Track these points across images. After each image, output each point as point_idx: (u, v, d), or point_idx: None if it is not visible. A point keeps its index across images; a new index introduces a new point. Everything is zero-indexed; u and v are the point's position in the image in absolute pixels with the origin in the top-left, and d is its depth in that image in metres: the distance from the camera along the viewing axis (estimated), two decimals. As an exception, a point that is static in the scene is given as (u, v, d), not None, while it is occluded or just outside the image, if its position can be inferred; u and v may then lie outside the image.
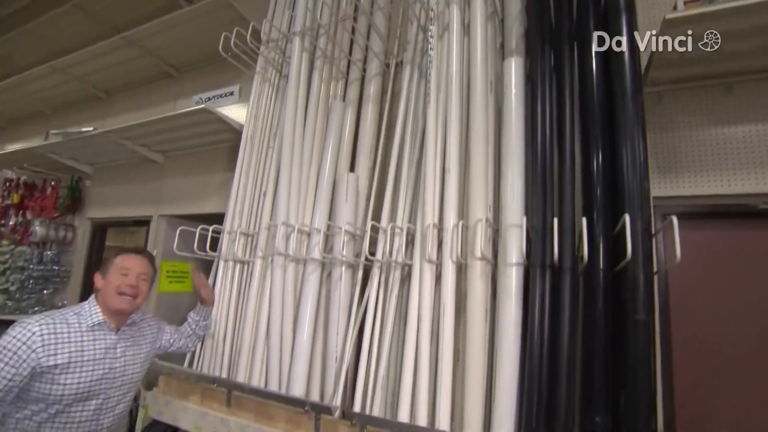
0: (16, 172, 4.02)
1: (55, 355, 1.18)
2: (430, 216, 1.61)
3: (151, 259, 1.45)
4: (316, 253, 1.81)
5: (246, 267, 2.08)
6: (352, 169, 2.05)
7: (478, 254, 1.49)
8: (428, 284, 1.57)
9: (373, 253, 1.72)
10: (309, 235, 1.91)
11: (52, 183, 3.83)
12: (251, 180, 2.19)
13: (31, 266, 3.48)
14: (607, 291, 1.40)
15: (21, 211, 3.94)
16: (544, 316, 1.43)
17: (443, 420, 1.43)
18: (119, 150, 3.03)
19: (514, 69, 1.68)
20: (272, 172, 2.09)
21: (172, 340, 1.72)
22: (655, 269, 1.38)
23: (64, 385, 1.19)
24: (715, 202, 1.64)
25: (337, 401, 1.56)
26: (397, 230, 1.67)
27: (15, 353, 1.12)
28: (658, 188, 1.68)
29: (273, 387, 1.77)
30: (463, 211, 1.63)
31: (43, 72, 3.57)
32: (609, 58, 1.54)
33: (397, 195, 1.79)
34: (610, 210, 1.46)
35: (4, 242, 3.90)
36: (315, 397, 1.73)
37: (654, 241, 1.43)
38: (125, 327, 1.40)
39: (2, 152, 3.70)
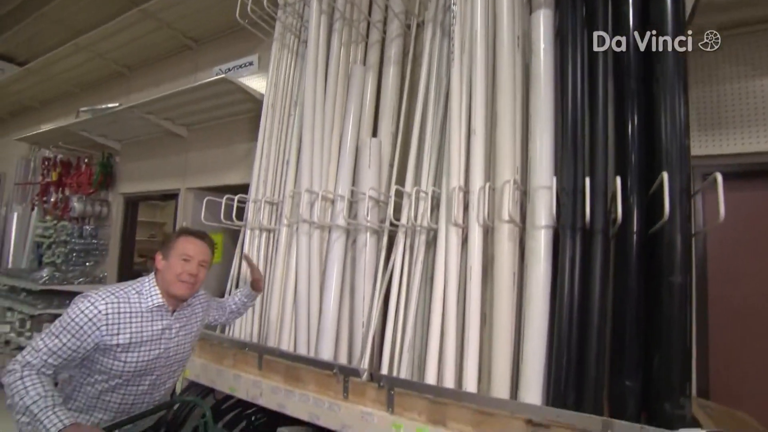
0: (53, 150, 4.18)
1: (117, 335, 1.23)
2: (456, 179, 1.58)
3: (211, 243, 1.44)
4: (341, 219, 1.81)
5: (272, 235, 2.11)
6: (374, 134, 2.02)
7: (506, 217, 1.46)
8: (454, 248, 1.55)
9: (398, 219, 1.71)
10: (333, 202, 1.91)
11: (86, 160, 3.97)
12: (274, 149, 2.19)
13: (73, 240, 3.65)
14: (640, 253, 1.35)
15: (60, 188, 4.12)
16: (574, 280, 1.40)
17: (470, 382, 1.44)
18: (144, 125, 3.08)
19: (543, 23, 1.58)
20: (294, 140, 2.08)
21: (217, 316, 1.75)
22: (693, 230, 1.32)
23: (124, 362, 1.26)
24: (761, 160, 1.54)
25: (365, 364, 1.59)
26: (422, 194, 1.65)
27: (81, 327, 1.18)
28: (698, 147, 1.59)
29: (302, 351, 1.83)
30: (489, 173, 1.59)
31: (68, 51, 3.63)
32: (647, 5, 1.43)
33: (421, 159, 1.76)
34: (645, 169, 1.39)
35: (48, 218, 4.11)
36: (343, 360, 1.77)
37: (692, 201, 1.36)
38: (180, 309, 1.42)
39: (38, 131, 3.83)
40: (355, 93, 2.04)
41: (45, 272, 3.65)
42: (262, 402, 1.78)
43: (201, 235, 1.42)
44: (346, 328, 1.80)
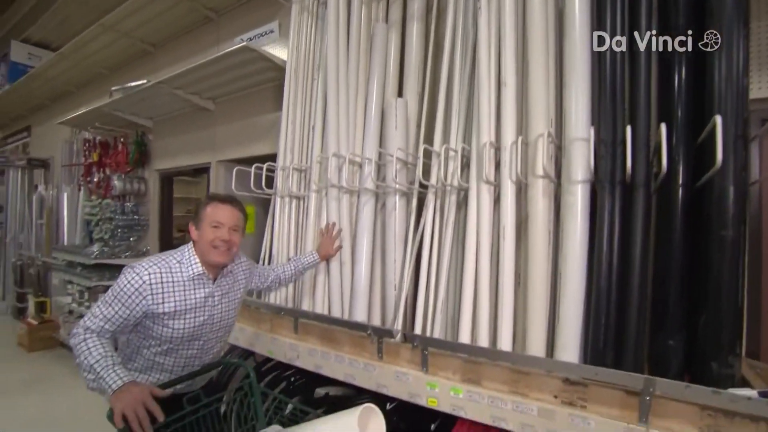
0: (91, 132, 4.34)
1: (163, 303, 1.29)
2: (486, 134, 1.51)
3: (240, 207, 1.44)
4: (369, 182, 1.80)
5: (302, 202, 2.13)
6: (400, 94, 1.96)
7: (540, 172, 1.40)
8: (486, 207, 1.51)
9: (426, 180, 1.67)
10: (360, 166, 1.90)
11: (121, 140, 4.10)
12: (299, 115, 2.17)
13: (117, 217, 3.84)
14: (686, 206, 1.27)
15: (101, 168, 4.31)
16: (613, 236, 1.34)
17: (505, 342, 1.43)
18: (172, 101, 3.13)
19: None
20: (319, 105, 2.05)
21: (258, 283, 1.80)
22: (748, 180, 1.22)
23: (172, 329, 1.33)
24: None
25: (398, 325, 1.61)
26: (451, 153, 1.59)
27: (129, 297, 1.25)
28: (757, 89, 1.45)
29: (336, 314, 1.87)
30: (522, 127, 1.52)
31: (95, 32, 3.68)
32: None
33: (449, 116, 1.69)
34: (694, 116, 1.28)
35: (93, 197, 4.32)
36: (376, 322, 1.80)
37: (749, 148, 1.25)
38: (221, 277, 1.45)
39: (75, 114, 3.97)
40: (378, 52, 1.97)
41: (95, 248, 3.89)
42: (300, 364, 1.85)
43: (229, 199, 1.42)
44: (378, 291, 1.82)
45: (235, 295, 1.52)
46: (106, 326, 1.24)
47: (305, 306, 1.96)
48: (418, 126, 1.90)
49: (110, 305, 1.25)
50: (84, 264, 3.88)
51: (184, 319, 1.33)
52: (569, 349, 1.33)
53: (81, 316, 3.93)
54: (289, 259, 2.01)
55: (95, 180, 4.35)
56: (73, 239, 4.68)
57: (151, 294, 1.26)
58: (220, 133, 3.09)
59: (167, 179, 3.84)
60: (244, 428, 1.42)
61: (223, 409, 1.71)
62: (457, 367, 1.46)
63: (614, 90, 1.36)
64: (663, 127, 1.18)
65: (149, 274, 1.27)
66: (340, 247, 1.90)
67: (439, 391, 1.45)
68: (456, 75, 1.69)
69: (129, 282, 1.25)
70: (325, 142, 1.99)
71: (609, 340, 1.31)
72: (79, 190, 4.72)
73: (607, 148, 1.36)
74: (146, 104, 3.36)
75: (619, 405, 1.18)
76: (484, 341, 1.46)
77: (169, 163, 3.63)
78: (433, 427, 1.67)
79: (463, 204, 1.67)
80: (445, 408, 1.44)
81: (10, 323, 5.41)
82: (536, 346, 1.40)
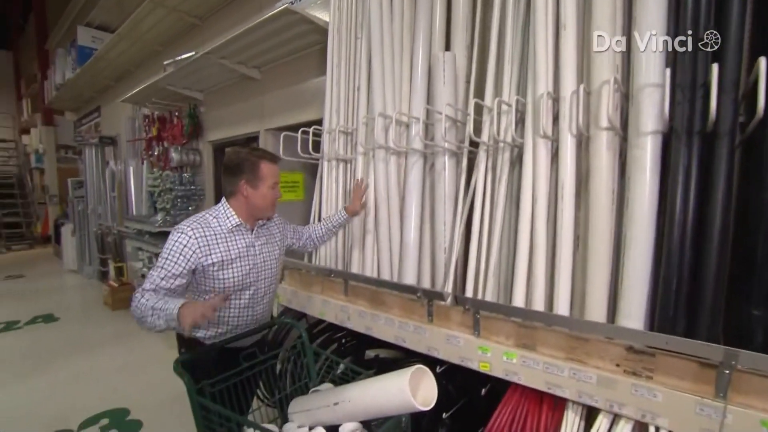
0: (149, 107, 4.56)
1: (210, 255, 1.36)
2: (543, 83, 1.39)
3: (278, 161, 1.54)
4: (417, 142, 1.73)
5: (349, 165, 2.11)
6: (447, 48, 1.84)
7: (604, 124, 1.26)
8: (543, 163, 1.40)
9: (478, 138, 1.57)
10: (408, 125, 1.83)
11: (176, 113, 4.27)
12: (344, 76, 2.12)
13: (176, 187, 4.07)
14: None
15: (160, 142, 4.55)
16: (688, 193, 1.20)
17: (562, 306, 1.36)
18: (220, 71, 3.17)
19: None
20: (364, 65, 1.99)
21: (294, 240, 1.86)
22: None
23: (223, 280, 1.40)
24: None
25: (448, 288, 1.57)
26: (504, 107, 1.48)
27: (180, 254, 1.33)
28: None
29: (385, 277, 1.87)
30: (583, 75, 1.37)
31: (146, 9, 3.78)
32: None
33: (501, 68, 1.57)
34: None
35: (155, 170, 4.59)
36: (426, 286, 1.77)
37: None
38: (258, 228, 1.53)
39: (134, 91, 4.17)
40: (423, 5, 1.84)
41: (159, 217, 4.17)
42: (350, 325, 1.89)
43: (276, 158, 1.51)
44: (428, 254, 1.78)
45: (274, 246, 1.59)
46: (162, 284, 1.31)
47: (355, 269, 1.97)
48: (468, 81, 1.78)
49: (162, 267, 1.33)
50: (150, 232, 4.21)
51: (232, 268, 1.40)
52: (633, 316, 1.23)
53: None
54: (321, 219, 2.07)
55: (155, 153, 4.60)
56: (141, 209, 5.05)
57: (198, 247, 1.34)
58: (267, 101, 3.12)
59: (219, 150, 3.98)
60: (297, 385, 1.48)
61: (278, 367, 1.79)
62: (511, 332, 1.41)
63: (696, 21, 1.17)
64: (762, 61, 1.01)
65: (192, 230, 1.35)
66: (364, 204, 1.91)
67: (491, 355, 1.42)
68: (508, 22, 1.55)
69: (176, 241, 1.33)
70: (371, 102, 1.93)
71: (680, 308, 1.19)
72: (143, 163, 5.03)
73: (684, 93, 1.19)
74: (196, 77, 3.44)
75: (692, 378, 1.09)
76: (539, 305, 1.40)
77: (220, 134, 3.74)
78: (483, 391, 1.66)
79: (517, 162, 1.56)
80: (498, 373, 1.41)
81: (96, 286, 6.06)
82: (596, 312, 1.31)
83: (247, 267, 1.45)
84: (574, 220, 1.38)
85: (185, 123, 4.05)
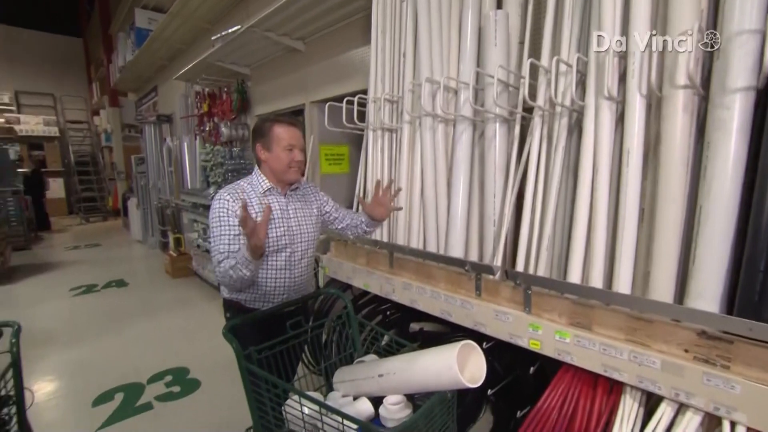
0: (200, 84, 4.70)
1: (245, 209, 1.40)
2: (610, 38, 1.23)
3: (302, 128, 1.52)
4: (467, 108, 1.63)
5: (394, 134, 2.05)
6: (499, 6, 1.69)
7: (682, 81, 1.11)
8: (606, 128, 1.27)
9: (533, 102, 1.45)
10: (456, 91, 1.73)
11: (225, 89, 4.37)
12: (389, 41, 2.04)
13: (226, 162, 4.21)
14: None
15: (210, 118, 4.69)
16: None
17: (623, 284, 1.26)
18: (265, 45, 3.18)
19: None
20: (410, 29, 1.89)
21: (336, 215, 1.75)
22: None
23: None
24: None
25: (497, 262, 1.50)
26: (563, 66, 1.35)
27: (227, 216, 1.39)
28: None
29: (431, 250, 1.82)
30: (657, 24, 1.20)
31: (193, -14, 3.84)
32: None
33: (560, 23, 1.42)
34: None
35: (207, 145, 4.77)
36: (473, 259, 1.71)
37: None
38: (290, 191, 1.56)
39: (185, 69, 4.30)
40: (473, -41, 1.70)
41: (211, 190, 4.36)
42: (395, 298, 1.88)
43: (294, 122, 1.51)
44: (476, 226, 1.71)
45: (309, 211, 1.60)
46: (231, 248, 1.37)
47: (400, 241, 1.94)
48: (521, 42, 1.64)
49: (219, 235, 1.39)
50: (204, 204, 4.41)
51: (268, 230, 1.41)
52: (707, 297, 1.11)
53: (207, 251, 4.56)
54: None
55: (207, 129, 4.76)
56: (195, 183, 5.29)
57: (236, 204, 1.40)
58: (312, 73, 3.09)
59: (267, 124, 4.04)
60: (342, 355, 1.49)
61: (324, 337, 1.82)
62: (565, 309, 1.33)
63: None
64: None
65: (228, 194, 1.43)
66: (392, 209, 1.69)
67: (542, 333, 1.35)
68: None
69: (219, 206, 1.41)
70: (417, 68, 1.84)
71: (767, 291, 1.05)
72: (195, 139, 5.24)
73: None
74: (243, 51, 3.47)
75: (780, 370, 0.96)
76: (597, 282, 1.30)
77: (266, 108, 3.79)
78: (531, 370, 1.60)
79: (575, 128, 1.43)
80: (549, 352, 1.35)
81: (158, 255, 6.53)
82: (661, 292, 1.19)
83: (282, 229, 1.48)
84: (640, 191, 1.25)
85: (234, 98, 4.14)
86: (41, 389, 2.73)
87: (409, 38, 1.90)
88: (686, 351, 1.10)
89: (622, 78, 1.25)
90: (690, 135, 1.17)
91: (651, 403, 1.24)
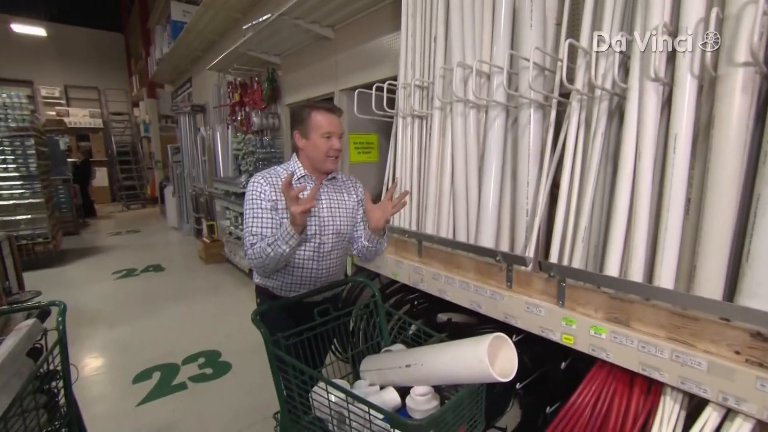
0: (232, 74, 4.78)
1: (278, 200, 1.41)
2: (658, 15, 1.15)
3: (341, 114, 1.48)
4: (500, 93, 1.57)
5: (424, 121, 2.01)
6: (536, -16, 1.61)
7: (742, 58, 1.02)
8: (652, 112, 1.19)
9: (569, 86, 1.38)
10: (489, 76, 1.66)
11: (256, 78, 4.42)
12: (419, 25, 1.98)
13: (257, 150, 4.28)
14: None
15: (242, 107, 4.77)
16: None
17: (665, 279, 1.18)
18: (295, 33, 3.17)
19: None
20: (441, 11, 1.83)
21: (360, 230, 1.58)
22: None
23: None
24: None
25: (530, 253, 1.45)
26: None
27: (260, 199, 1.40)
28: None
29: (461, 239, 1.78)
30: (714, -2, 1.11)
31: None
32: None
33: (601, 4, 1.33)
34: None
35: (239, 134, 4.86)
36: (504, 250, 1.66)
37: None
38: (327, 181, 1.53)
39: (218, 59, 4.38)
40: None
41: (243, 178, 4.45)
42: (423, 287, 1.85)
43: (332, 108, 1.46)
44: (507, 216, 1.65)
45: (344, 204, 1.55)
46: (263, 231, 1.38)
47: (429, 230, 1.91)
48: (558, 23, 1.56)
49: (253, 217, 1.39)
50: (235, 192, 4.51)
51: (312, 203, 1.40)
52: (762, 296, 1.03)
53: (238, 237, 4.69)
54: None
55: (238, 118, 4.85)
56: (227, 171, 5.42)
57: (270, 187, 1.40)
58: (341, 61, 3.07)
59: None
60: (369, 344, 1.49)
61: (351, 325, 1.83)
62: (601, 303, 1.27)
63: None
64: None
65: (263, 177, 1.43)
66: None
67: (576, 328, 1.29)
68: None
69: (253, 189, 1.41)
70: (449, 52, 1.78)
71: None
72: (228, 128, 5.35)
73: None
74: (273, 40, 3.49)
75: None
76: (636, 276, 1.23)
77: (296, 97, 3.81)
78: (563, 365, 1.54)
79: (616, 112, 1.35)
80: (582, 347, 1.29)
81: (193, 241, 6.77)
82: (708, 288, 1.11)
83: (312, 218, 1.46)
84: (687, 179, 1.16)
85: (264, 87, 4.18)
86: (88, 365, 2.91)
87: (440, 22, 1.84)
88: (737, 353, 1.02)
89: (671, 57, 1.16)
90: (749, 117, 1.07)
91: (692, 405, 1.18)
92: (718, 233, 1.10)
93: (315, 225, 1.47)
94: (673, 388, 1.14)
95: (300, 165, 1.49)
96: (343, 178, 1.61)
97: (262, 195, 1.40)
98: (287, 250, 1.28)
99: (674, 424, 1.13)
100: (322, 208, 1.49)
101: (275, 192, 1.41)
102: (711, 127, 1.10)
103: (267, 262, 1.33)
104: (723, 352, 1.03)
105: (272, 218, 1.39)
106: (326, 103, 1.48)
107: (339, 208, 1.53)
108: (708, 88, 1.12)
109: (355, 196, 1.60)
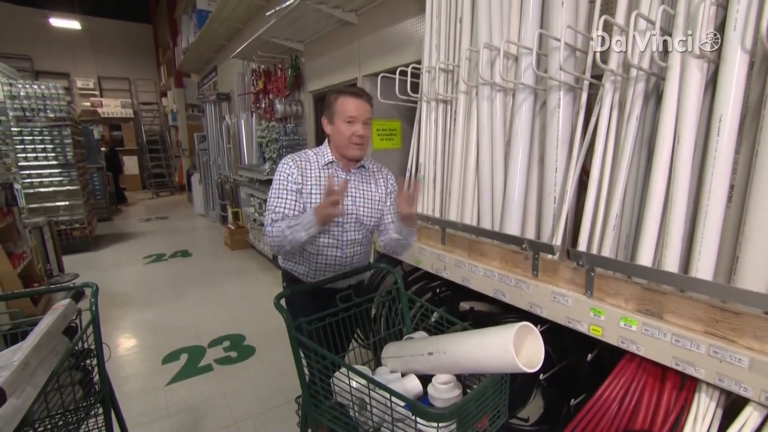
0: (256, 61, 4.79)
1: (303, 183, 1.42)
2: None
3: (369, 98, 1.44)
4: (528, 75, 1.50)
5: (449, 106, 1.96)
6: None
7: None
8: (694, 91, 1.11)
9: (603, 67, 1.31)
10: (517, 58, 1.60)
11: (279, 66, 4.42)
12: (444, 6, 1.92)
13: (281, 138, 4.30)
14: None
15: (266, 95, 4.79)
16: None
17: (703, 270, 1.12)
18: (318, 18, 3.14)
19: None
20: (467, -9, 1.76)
21: (388, 221, 1.56)
22: None
23: (310, 210, 1.42)
24: None
25: (557, 241, 1.40)
26: (643, 23, 1.18)
27: (286, 178, 1.42)
28: None
29: (485, 227, 1.74)
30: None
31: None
32: None
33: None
34: None
35: (263, 122, 4.90)
36: (530, 237, 1.61)
37: None
38: (355, 170, 1.51)
39: (242, 47, 4.39)
40: None
41: (266, 166, 4.49)
42: (446, 275, 1.83)
43: (360, 92, 1.42)
44: (533, 202, 1.60)
45: (370, 194, 1.52)
46: (285, 212, 1.39)
47: (453, 216, 1.88)
48: (591, 1, 1.47)
49: (278, 196, 1.41)
50: (259, 180, 4.57)
51: (318, 200, 1.41)
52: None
53: (262, 224, 4.76)
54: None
55: (262, 106, 4.88)
56: (251, 159, 5.49)
57: (297, 171, 1.41)
58: (364, 46, 3.03)
59: (320, 99, 4.05)
60: (391, 331, 1.48)
61: (373, 312, 1.82)
62: (632, 294, 1.22)
63: None
64: None
65: (292, 159, 1.45)
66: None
67: (605, 319, 1.25)
68: None
69: (282, 170, 1.43)
70: (475, 33, 1.72)
71: None
72: (252, 116, 5.39)
73: None
74: (297, 26, 3.47)
75: None
76: (672, 266, 1.17)
77: (319, 84, 3.79)
78: (589, 357, 1.50)
79: (653, 94, 1.28)
80: (611, 339, 1.25)
81: (218, 228, 6.94)
82: (754, 280, 1.05)
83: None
84: (732, 165, 1.09)
85: (287, 75, 4.18)
86: (121, 344, 3.04)
87: (466, 2, 1.77)
88: (783, 350, 0.96)
89: (719, 31, 1.07)
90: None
91: (728, 402, 1.12)
92: (765, 222, 1.02)
93: None
94: (709, 384, 1.09)
95: (329, 151, 1.48)
96: (373, 168, 1.57)
97: (290, 177, 1.41)
98: (305, 237, 1.28)
99: (710, 422, 1.08)
100: (346, 196, 1.47)
101: (302, 176, 1.42)
102: (763, 107, 1.02)
103: (283, 243, 1.32)
104: (767, 349, 0.97)
105: (296, 200, 1.40)
106: (353, 88, 1.46)
107: (364, 198, 1.51)
108: (760, 65, 1.04)
109: (384, 188, 1.56)
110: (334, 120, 1.42)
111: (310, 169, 1.44)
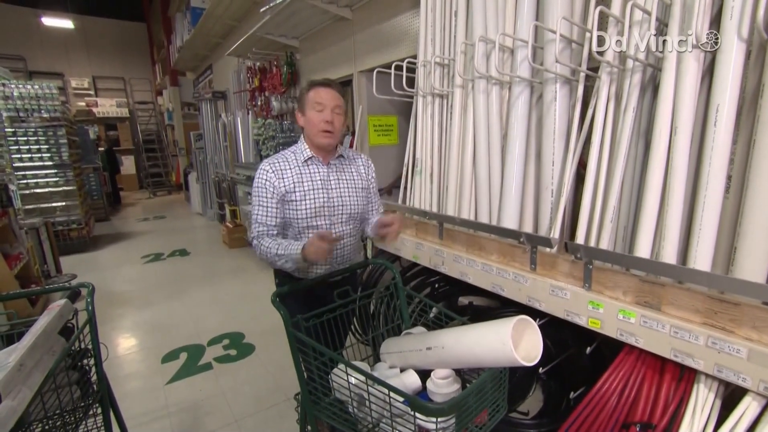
0: (251, 58, 4.76)
1: (283, 180, 1.42)
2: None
3: (339, 89, 1.47)
4: (524, 68, 1.49)
5: (445, 100, 1.95)
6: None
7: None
8: (691, 82, 1.11)
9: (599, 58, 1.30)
10: (513, 51, 1.59)
11: (275, 63, 4.40)
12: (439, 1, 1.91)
13: (278, 135, 4.28)
14: None
15: (262, 92, 4.77)
16: None
17: (701, 261, 1.12)
18: (313, 14, 3.12)
19: None
20: (461, -16, 1.75)
21: (374, 204, 1.65)
22: None
23: (296, 209, 1.44)
24: None
25: (555, 234, 1.39)
26: (639, 14, 1.18)
27: (263, 185, 1.42)
28: None
29: (483, 221, 1.74)
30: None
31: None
32: None
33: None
34: None
35: (259, 119, 4.88)
36: (528, 231, 1.61)
37: None
38: (334, 161, 1.52)
39: (237, 44, 4.36)
40: None
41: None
42: (445, 270, 1.83)
43: (328, 82, 1.45)
44: (531, 196, 1.60)
45: (353, 183, 1.55)
46: (268, 222, 1.42)
47: (450, 211, 1.87)
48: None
49: (259, 205, 1.43)
50: (257, 178, 4.53)
51: (305, 199, 1.44)
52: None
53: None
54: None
55: (258, 103, 4.86)
56: (248, 157, 5.47)
57: (275, 176, 1.42)
58: (359, 41, 3.01)
59: (316, 97, 4.04)
60: (390, 326, 1.48)
61: (372, 308, 1.82)
62: (630, 287, 1.21)
63: None
64: None
65: (268, 164, 1.45)
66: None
67: (603, 312, 1.24)
68: None
69: (259, 177, 1.43)
70: (471, 26, 1.71)
71: None
72: (248, 113, 5.37)
73: None
74: (291, 22, 3.44)
75: None
76: (670, 258, 1.17)
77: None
78: (588, 350, 1.50)
79: (649, 85, 1.27)
80: (610, 332, 1.25)
81: (216, 226, 6.92)
82: (750, 271, 1.05)
83: (321, 200, 1.46)
84: (729, 155, 1.09)
85: (283, 71, 4.16)
86: (120, 344, 3.04)
87: (461, -6, 1.76)
88: (782, 340, 0.96)
89: (715, 20, 1.07)
90: (804, 85, 0.98)
91: (727, 393, 1.12)
92: (763, 212, 1.02)
93: (325, 207, 1.47)
94: (707, 375, 1.09)
95: (305, 146, 1.49)
96: (352, 155, 1.61)
97: (267, 183, 1.42)
98: (292, 267, 1.37)
99: (708, 412, 1.08)
100: (331, 189, 1.49)
101: (282, 178, 1.42)
102: (760, 97, 1.01)
103: (270, 261, 1.39)
104: (766, 339, 0.97)
105: (277, 208, 1.42)
106: (323, 79, 1.48)
107: (349, 188, 1.54)
108: (757, 54, 1.03)
109: (365, 173, 1.61)
110: (306, 111, 1.44)
111: (289, 169, 1.44)
